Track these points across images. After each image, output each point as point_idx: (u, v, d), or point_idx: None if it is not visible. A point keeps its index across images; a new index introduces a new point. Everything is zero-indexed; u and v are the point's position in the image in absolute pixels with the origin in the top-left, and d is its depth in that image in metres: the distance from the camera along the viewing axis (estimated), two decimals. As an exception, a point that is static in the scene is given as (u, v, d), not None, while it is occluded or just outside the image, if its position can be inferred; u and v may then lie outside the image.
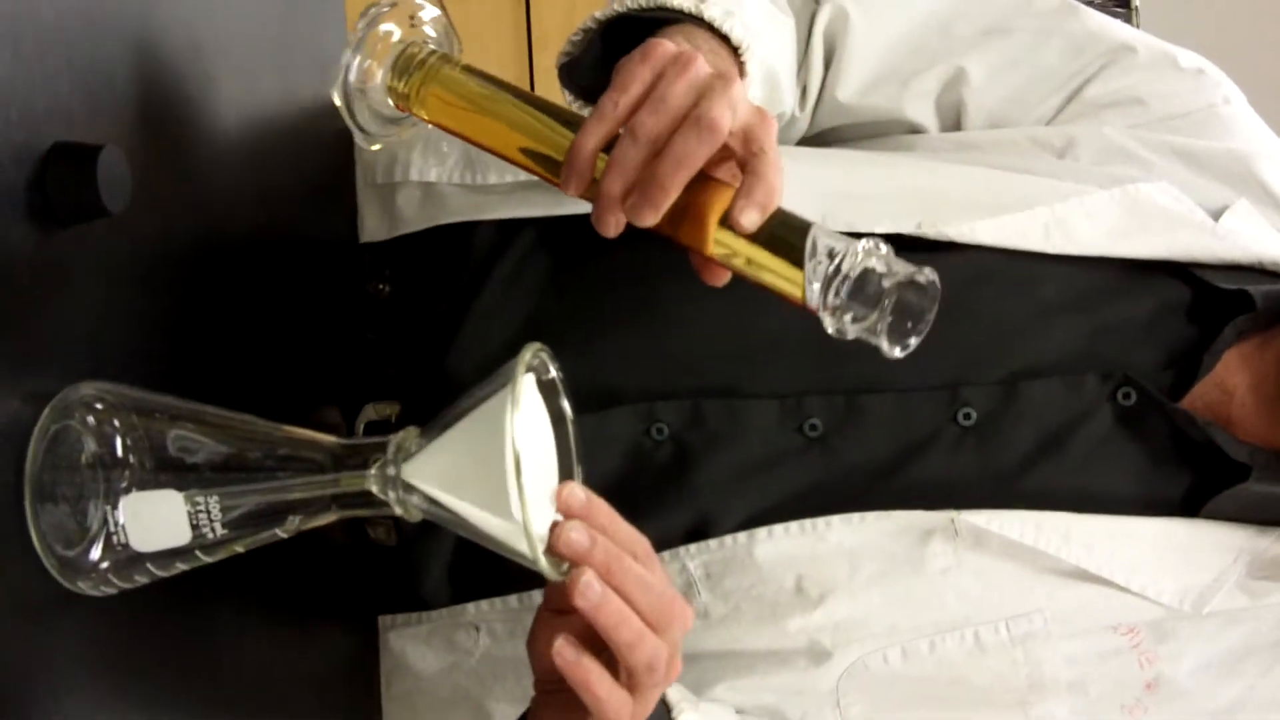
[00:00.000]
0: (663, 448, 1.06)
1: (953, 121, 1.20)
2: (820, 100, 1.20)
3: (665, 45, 0.85)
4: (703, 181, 0.85)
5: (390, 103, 0.94)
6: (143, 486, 0.69)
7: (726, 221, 0.84)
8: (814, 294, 0.81)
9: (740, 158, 0.85)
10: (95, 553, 0.70)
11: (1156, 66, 1.19)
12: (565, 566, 0.75)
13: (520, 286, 1.09)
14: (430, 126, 0.95)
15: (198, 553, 0.71)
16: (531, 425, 0.73)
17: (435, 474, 0.70)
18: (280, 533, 0.71)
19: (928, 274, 0.81)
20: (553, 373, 0.75)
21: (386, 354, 1.11)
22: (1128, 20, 3.53)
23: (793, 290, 0.83)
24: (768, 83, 1.05)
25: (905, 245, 1.04)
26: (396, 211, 1.14)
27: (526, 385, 0.71)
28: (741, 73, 0.99)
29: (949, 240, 1.05)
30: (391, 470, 0.71)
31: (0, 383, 0.69)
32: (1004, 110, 1.19)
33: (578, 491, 0.75)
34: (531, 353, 0.71)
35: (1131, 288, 1.08)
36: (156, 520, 0.69)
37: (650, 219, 0.84)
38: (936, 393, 1.05)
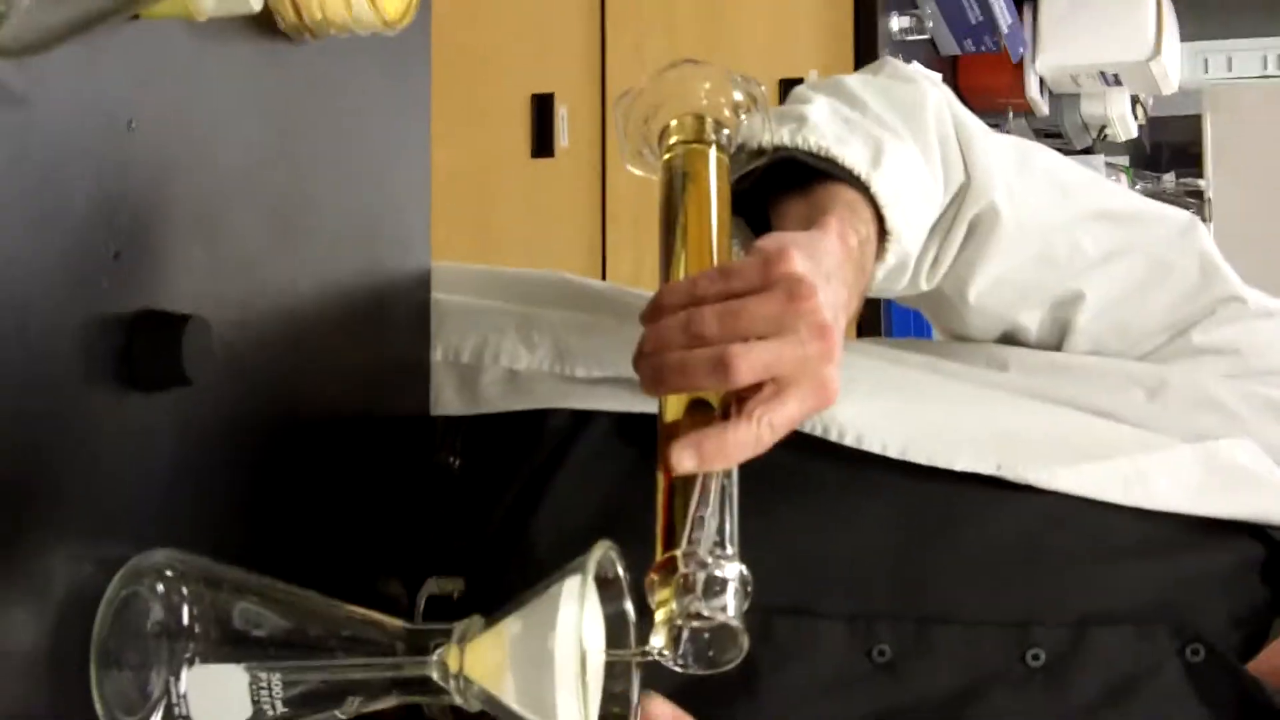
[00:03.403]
0: None
1: (1056, 336, 1.19)
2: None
3: (795, 266, 0.83)
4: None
5: (650, 136, 0.98)
6: (206, 657, 0.70)
7: None
8: (679, 560, 0.78)
9: (747, 406, 0.83)
10: (154, 722, 0.70)
11: (1261, 319, 1.18)
12: None
13: (597, 475, 1.09)
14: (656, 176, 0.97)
15: (257, 729, 0.71)
16: (593, 629, 0.73)
17: (495, 671, 0.70)
18: (339, 714, 0.71)
19: (745, 646, 0.79)
20: (619, 573, 0.75)
21: (453, 527, 1.11)
22: (1199, 213, 3.56)
23: (667, 543, 0.80)
24: (896, 269, 1.04)
25: (982, 484, 1.04)
26: (479, 391, 1.14)
27: (593, 590, 0.71)
28: (881, 253, 0.99)
29: (1027, 484, 1.04)
30: (453, 661, 0.71)
31: (74, 546, 0.71)
32: (1106, 339, 1.18)
33: None
34: (602, 552, 0.72)
35: (1207, 543, 1.06)
36: (218, 694, 0.70)
37: (644, 389, 0.84)
38: (1006, 630, 1.03)
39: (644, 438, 1.01)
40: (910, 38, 2.95)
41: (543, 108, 3.13)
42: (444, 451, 1.13)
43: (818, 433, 1.05)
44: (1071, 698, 1.02)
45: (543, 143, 3.13)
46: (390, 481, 1.07)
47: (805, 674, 1.02)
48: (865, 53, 2.83)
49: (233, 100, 0.86)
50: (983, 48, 3.14)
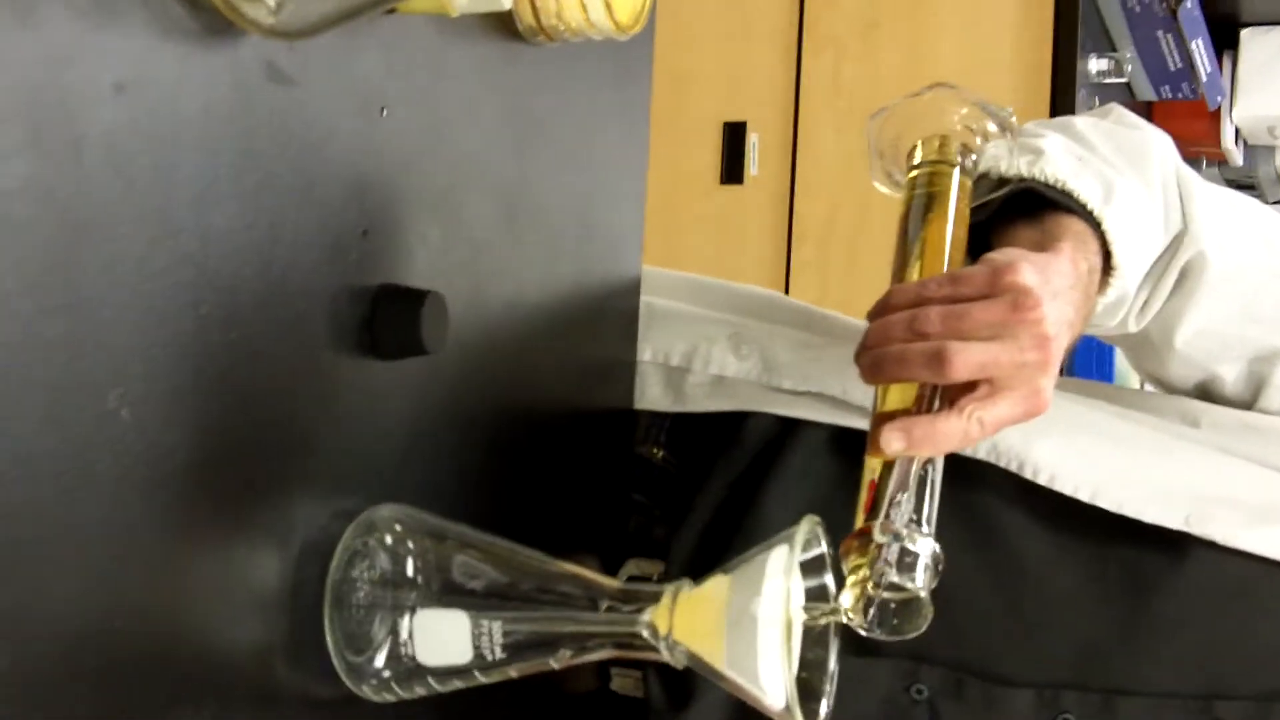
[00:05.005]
0: (919, 708, 1.05)
1: (1251, 391, 1.19)
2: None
3: (1024, 279, 0.85)
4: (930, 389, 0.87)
5: (898, 154, 1.02)
6: (429, 605, 0.75)
7: None
8: (876, 530, 0.81)
9: (960, 401, 0.85)
10: (379, 660, 0.75)
11: None
12: None
13: (804, 483, 1.11)
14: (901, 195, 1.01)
15: (476, 672, 0.75)
16: (795, 598, 0.75)
17: (702, 632, 0.73)
18: (553, 663, 0.76)
19: (929, 617, 0.81)
20: (823, 548, 0.78)
21: (654, 516, 1.15)
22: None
23: (868, 518, 0.83)
24: (1114, 305, 1.05)
25: (1167, 539, 1.03)
26: (685, 391, 1.18)
27: (797, 562, 0.74)
28: (1102, 287, 1.00)
29: (1212, 541, 1.02)
30: (662, 622, 0.74)
31: (315, 498, 0.76)
32: None
33: None
34: (809, 526, 0.75)
35: None
36: (442, 637, 0.74)
37: (863, 378, 0.88)
38: (1189, 703, 1.01)
39: (852, 452, 1.03)
40: (1108, 80, 2.93)
41: (735, 135, 3.16)
42: (648, 443, 1.17)
43: (1013, 468, 1.06)
44: None
45: (733, 170, 3.16)
46: (595, 465, 1.11)
47: None
48: (1062, 93, 2.82)
49: (472, 94, 0.90)
50: (1180, 95, 3.10)
